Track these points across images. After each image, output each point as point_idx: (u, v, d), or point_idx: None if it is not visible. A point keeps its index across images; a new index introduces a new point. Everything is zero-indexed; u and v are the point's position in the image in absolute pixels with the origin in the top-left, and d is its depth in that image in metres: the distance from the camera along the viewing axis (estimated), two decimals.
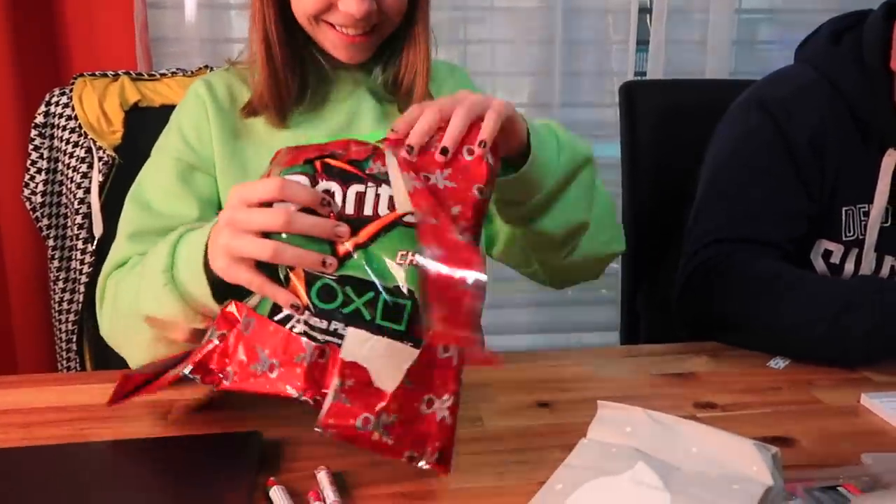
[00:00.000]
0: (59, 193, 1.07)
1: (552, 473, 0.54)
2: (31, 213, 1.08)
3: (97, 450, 0.63)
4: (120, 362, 0.79)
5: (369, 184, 0.58)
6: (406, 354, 0.56)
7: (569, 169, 0.74)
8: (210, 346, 0.61)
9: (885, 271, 0.99)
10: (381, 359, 0.56)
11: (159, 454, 0.62)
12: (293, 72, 0.84)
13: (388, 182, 0.58)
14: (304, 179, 0.58)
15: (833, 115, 0.96)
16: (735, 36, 1.77)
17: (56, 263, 1.05)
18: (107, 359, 1.07)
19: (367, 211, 0.58)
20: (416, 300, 0.56)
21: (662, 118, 1.29)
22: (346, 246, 0.57)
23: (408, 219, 0.57)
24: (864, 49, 0.95)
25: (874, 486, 0.58)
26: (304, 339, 0.57)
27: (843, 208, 0.97)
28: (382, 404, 0.55)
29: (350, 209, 0.58)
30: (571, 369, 0.81)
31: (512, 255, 0.89)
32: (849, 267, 0.99)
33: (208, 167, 0.85)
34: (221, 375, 0.60)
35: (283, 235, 0.57)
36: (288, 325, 0.58)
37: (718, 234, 0.93)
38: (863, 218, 0.98)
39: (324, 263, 0.57)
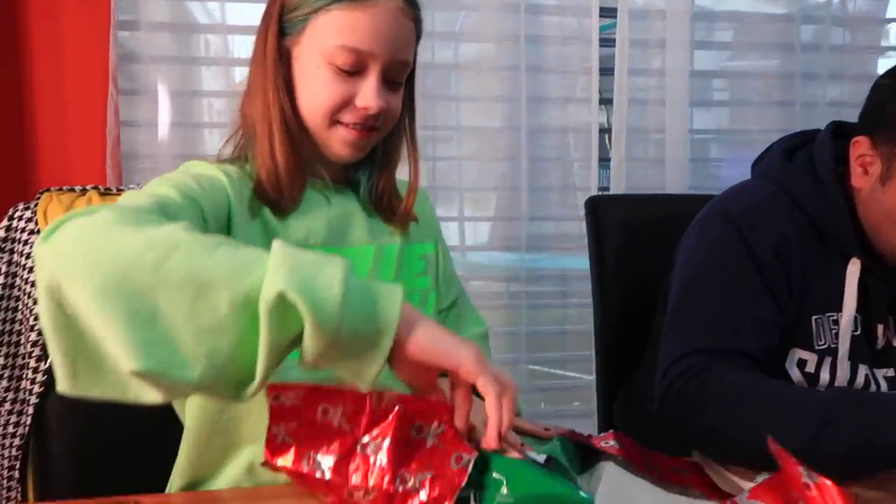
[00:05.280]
0: (15, 309, 1.03)
1: None
2: None
3: None
4: (65, 491, 0.72)
5: None
6: None
7: None
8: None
9: (860, 380, 0.99)
10: None
11: None
12: (302, 163, 0.86)
13: None
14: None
15: (795, 226, 0.99)
16: (690, 154, 1.86)
17: (4, 383, 0.99)
18: (52, 486, 0.99)
19: None
20: None
21: (628, 231, 1.32)
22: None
23: None
24: (816, 165, 1.00)
25: None
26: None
27: (813, 317, 0.98)
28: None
29: None
30: None
31: None
32: (824, 376, 0.98)
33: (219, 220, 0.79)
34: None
35: None
36: None
37: (692, 347, 0.93)
38: (832, 327, 0.98)
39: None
